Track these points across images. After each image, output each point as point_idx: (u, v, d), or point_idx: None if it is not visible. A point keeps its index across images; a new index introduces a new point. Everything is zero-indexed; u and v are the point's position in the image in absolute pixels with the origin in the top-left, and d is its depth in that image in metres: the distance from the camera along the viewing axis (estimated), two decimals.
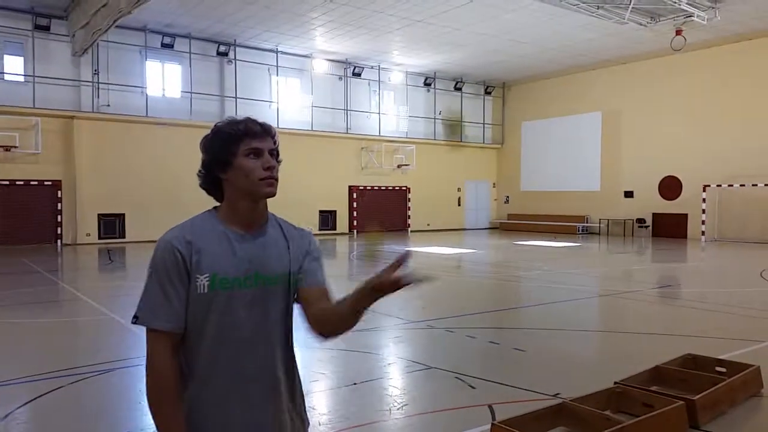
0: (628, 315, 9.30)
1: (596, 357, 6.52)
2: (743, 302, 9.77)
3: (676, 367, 5.38)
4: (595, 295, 11.12)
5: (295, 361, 1.92)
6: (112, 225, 21.01)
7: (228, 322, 1.73)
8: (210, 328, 1.73)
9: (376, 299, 1.61)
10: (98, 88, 20.69)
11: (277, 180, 1.79)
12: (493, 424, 3.99)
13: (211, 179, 1.81)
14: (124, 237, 21.10)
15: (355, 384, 5.49)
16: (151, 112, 21.50)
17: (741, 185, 22.04)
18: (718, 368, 5.41)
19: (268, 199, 1.84)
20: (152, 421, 1.71)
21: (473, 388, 5.33)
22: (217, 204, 1.84)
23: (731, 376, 5.03)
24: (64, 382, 5.48)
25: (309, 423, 1.97)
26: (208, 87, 22.81)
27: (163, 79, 22.20)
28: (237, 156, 1.75)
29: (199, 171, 1.83)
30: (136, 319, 1.72)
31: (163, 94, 22.14)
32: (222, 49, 22.77)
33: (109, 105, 20.81)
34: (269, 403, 1.80)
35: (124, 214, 21.14)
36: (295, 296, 1.86)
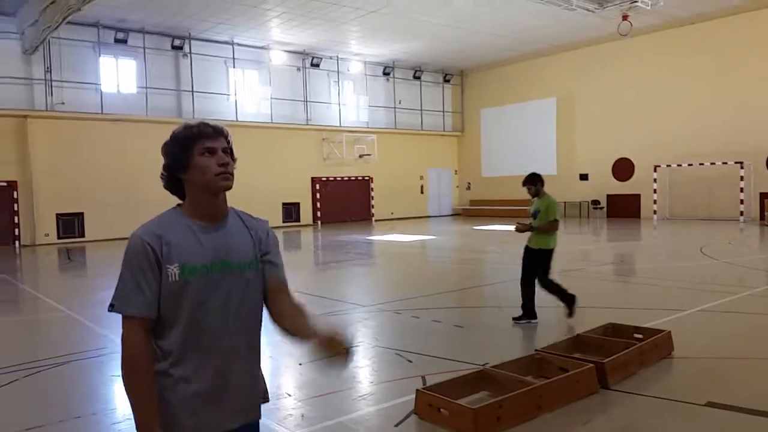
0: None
1: (529, 329, 6.95)
2: (680, 276, 10.37)
3: (596, 335, 5.84)
4: None
5: (260, 345, 2.10)
6: (70, 224, 20.85)
7: (199, 307, 1.89)
8: (183, 314, 1.88)
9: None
10: (51, 86, 20.44)
11: (232, 175, 1.97)
12: (417, 390, 4.36)
13: (173, 180, 1.99)
14: (83, 236, 20.96)
15: (300, 364, 5.81)
16: (106, 108, 21.33)
17: (689, 165, 22.92)
18: (635, 335, 5.88)
19: (230, 194, 2.01)
20: (128, 402, 1.86)
21: (410, 362, 5.71)
22: (180, 202, 2.02)
23: None
24: (19, 376, 5.68)
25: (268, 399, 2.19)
26: (163, 82, 22.69)
27: (118, 75, 22.01)
28: (193, 156, 1.93)
29: (162, 174, 2.00)
30: (112, 307, 1.87)
31: (118, 90, 21.96)
32: (177, 42, 22.67)
33: (63, 103, 20.58)
34: (240, 378, 1.98)
35: (82, 213, 21.00)
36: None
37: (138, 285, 1.85)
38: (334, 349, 1.89)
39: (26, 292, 11.52)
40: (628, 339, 5.71)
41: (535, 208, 7.14)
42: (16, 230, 19.99)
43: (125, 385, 1.86)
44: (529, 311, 7.14)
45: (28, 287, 12.03)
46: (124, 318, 1.87)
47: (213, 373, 1.93)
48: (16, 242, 19.95)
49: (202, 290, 1.90)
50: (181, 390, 1.90)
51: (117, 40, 21.41)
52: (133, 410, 1.85)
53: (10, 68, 19.79)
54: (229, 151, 1.99)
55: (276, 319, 2.07)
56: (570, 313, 7.10)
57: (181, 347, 1.90)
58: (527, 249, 7.24)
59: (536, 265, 7.10)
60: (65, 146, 20.52)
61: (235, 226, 2.03)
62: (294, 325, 2.02)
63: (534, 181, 7.17)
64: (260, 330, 2.09)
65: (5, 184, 19.80)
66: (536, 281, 7.14)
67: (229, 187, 1.97)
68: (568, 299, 7.10)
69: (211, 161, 1.93)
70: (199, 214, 1.97)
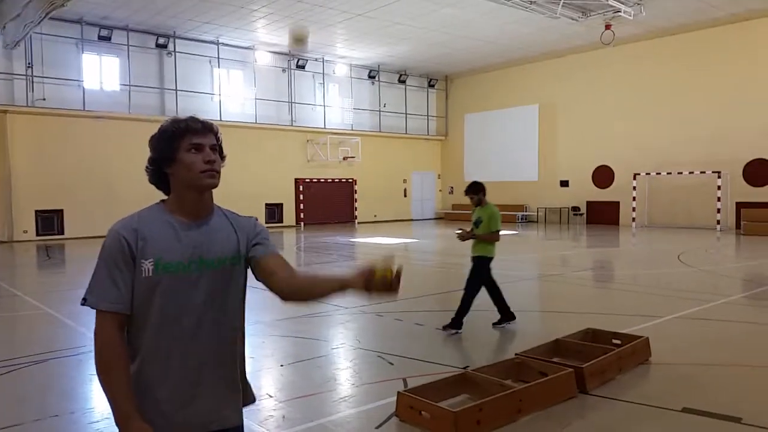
0: (547, 296, 9.94)
1: (509, 333, 7.02)
2: (657, 283, 10.54)
3: (575, 340, 5.92)
4: (520, 279, 11.72)
5: (243, 341, 2.06)
6: (50, 221, 20.57)
7: (173, 304, 1.85)
8: (155, 310, 1.84)
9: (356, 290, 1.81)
10: (33, 82, 20.16)
11: (218, 172, 1.93)
12: (399, 393, 4.39)
13: (158, 174, 1.94)
14: (62, 233, 20.69)
15: (282, 365, 5.82)
16: (88, 105, 21.09)
17: (668, 173, 23.27)
18: (614, 340, 5.97)
19: (214, 192, 1.98)
20: (104, 395, 1.82)
21: (392, 364, 5.74)
22: (165, 198, 1.98)
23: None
24: None
25: (254, 399, 2.14)
26: (147, 80, 22.50)
27: (101, 72, 21.78)
28: (180, 151, 1.88)
29: (147, 167, 1.96)
30: (84, 301, 1.84)
31: (101, 88, 21.72)
32: (161, 41, 22.49)
33: (44, 99, 20.31)
34: (215, 385, 1.94)
35: (62, 210, 20.73)
36: (255, 272, 2.00)
37: (112, 279, 1.82)
38: (381, 278, 1.73)
39: (3, 289, 11.33)
40: (606, 344, 5.80)
41: (477, 217, 7.12)
42: None
43: (100, 380, 1.82)
44: (505, 313, 7.15)
45: (5, 284, 11.84)
46: (97, 312, 1.84)
47: (187, 375, 1.90)
48: None
49: (178, 288, 1.86)
50: (152, 391, 1.86)
51: (101, 37, 21.18)
52: (111, 405, 1.81)
53: None
54: (217, 149, 1.95)
55: (290, 293, 1.96)
56: (448, 327, 6.90)
57: (153, 347, 1.86)
58: (472, 258, 7.16)
59: (476, 273, 7.06)
60: (46, 142, 20.24)
61: (218, 224, 1.98)
62: (316, 285, 1.94)
63: (476, 191, 7.14)
64: (242, 328, 2.05)
65: None
66: (490, 285, 7.16)
67: (215, 185, 1.94)
68: (459, 318, 6.91)
69: (197, 158, 1.90)
70: (182, 211, 1.93)
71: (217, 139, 1.97)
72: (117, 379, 1.80)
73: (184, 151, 1.89)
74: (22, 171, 19.90)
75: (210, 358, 1.93)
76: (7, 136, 19.67)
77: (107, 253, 1.84)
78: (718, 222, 21.82)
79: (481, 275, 7.07)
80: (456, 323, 6.91)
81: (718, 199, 21.83)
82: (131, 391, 1.82)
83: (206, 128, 1.94)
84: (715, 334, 6.95)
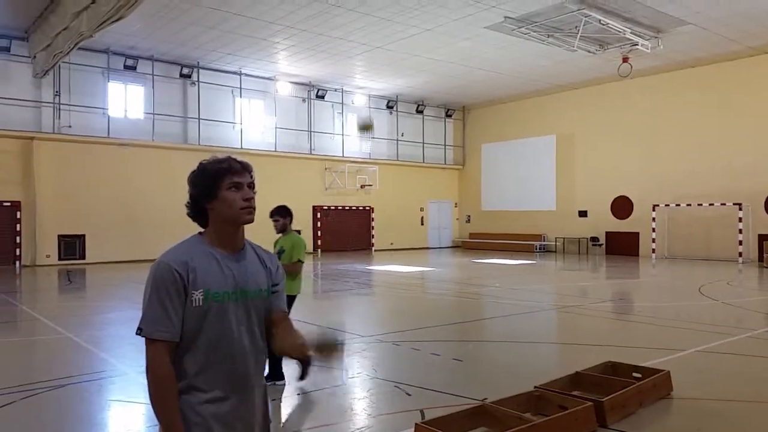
0: (565, 327, 9.82)
1: (528, 365, 6.95)
2: (679, 315, 10.40)
3: (595, 373, 5.86)
4: (539, 309, 11.63)
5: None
6: (72, 246, 20.87)
7: (218, 331, 2.02)
8: (203, 337, 2.01)
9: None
10: (59, 109, 20.69)
11: (254, 208, 2.12)
12: (416, 424, 4.37)
13: (198, 209, 2.12)
14: (84, 258, 20.96)
15: (298, 394, 5.82)
16: (113, 133, 21.54)
17: (687, 205, 23.07)
18: (635, 374, 5.89)
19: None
20: (156, 417, 1.98)
21: (409, 395, 5.72)
22: (201, 230, 2.15)
23: None
24: (16, 398, 5.67)
25: (271, 421, 2.35)
26: (171, 108, 22.97)
27: (126, 101, 22.29)
28: (221, 189, 2.06)
29: (187, 202, 2.13)
30: (140, 331, 1.98)
31: (126, 116, 22.21)
32: (185, 71, 23.01)
33: (70, 126, 20.80)
34: (253, 400, 2.11)
35: (84, 236, 21.04)
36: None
37: (165, 310, 1.96)
38: (327, 353, 2.09)
39: (25, 312, 11.51)
40: (627, 378, 5.72)
41: (280, 247, 6.31)
42: (18, 250, 20.01)
43: (156, 404, 1.95)
44: (275, 371, 5.94)
45: (27, 308, 12.02)
46: (150, 341, 1.97)
47: (229, 395, 2.04)
48: (17, 262, 19.95)
49: (223, 316, 2.02)
50: (200, 409, 1.99)
51: (126, 67, 21.73)
52: (166, 427, 1.94)
53: (20, 91, 20.06)
54: (252, 186, 2.14)
55: (269, 340, 2.22)
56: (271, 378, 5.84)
57: (201, 369, 2.01)
58: None
59: None
60: (70, 169, 20.67)
61: (251, 257, 2.17)
62: (283, 341, 2.16)
63: (283, 214, 6.37)
64: (267, 353, 2.22)
65: (9, 204, 19.89)
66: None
67: (252, 221, 2.11)
68: (278, 371, 5.95)
69: (237, 195, 2.07)
70: (221, 243, 2.10)
71: (251, 177, 2.16)
72: (173, 405, 1.96)
73: (225, 189, 2.06)
74: (47, 196, 20.30)
75: (250, 380, 2.10)
76: (33, 162, 20.12)
77: (160, 285, 1.97)
78: (740, 254, 21.51)
79: None
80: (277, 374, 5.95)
81: (740, 231, 21.56)
82: (179, 410, 1.97)
83: (244, 168, 2.13)
84: (738, 368, 6.83)
